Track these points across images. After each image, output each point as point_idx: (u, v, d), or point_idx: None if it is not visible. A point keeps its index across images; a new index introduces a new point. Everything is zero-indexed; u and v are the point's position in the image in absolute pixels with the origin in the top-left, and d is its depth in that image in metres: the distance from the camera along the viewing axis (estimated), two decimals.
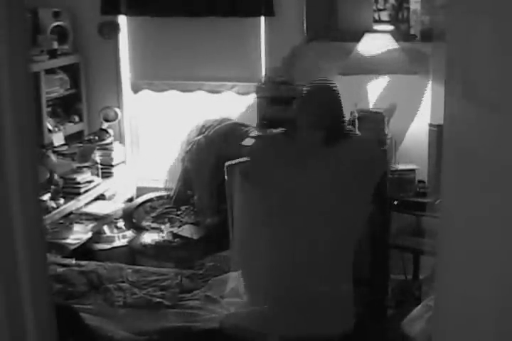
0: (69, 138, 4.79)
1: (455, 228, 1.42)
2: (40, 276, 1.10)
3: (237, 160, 4.16)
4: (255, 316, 2.59)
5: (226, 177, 4.08)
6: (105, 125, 4.89)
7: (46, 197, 4.23)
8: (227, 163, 4.11)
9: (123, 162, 4.96)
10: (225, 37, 4.70)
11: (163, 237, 4.37)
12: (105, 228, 4.67)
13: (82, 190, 4.53)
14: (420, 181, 4.08)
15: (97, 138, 4.85)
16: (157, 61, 4.91)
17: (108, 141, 4.86)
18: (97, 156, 4.75)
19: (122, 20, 4.87)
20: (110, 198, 4.83)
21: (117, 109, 4.92)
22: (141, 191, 4.94)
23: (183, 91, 4.88)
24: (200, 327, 3.13)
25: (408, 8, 4.22)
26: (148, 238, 4.39)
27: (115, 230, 4.71)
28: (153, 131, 5.11)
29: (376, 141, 3.16)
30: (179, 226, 4.46)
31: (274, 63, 4.60)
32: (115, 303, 3.41)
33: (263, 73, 4.68)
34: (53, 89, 4.60)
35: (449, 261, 1.44)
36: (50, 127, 4.56)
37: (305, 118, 2.78)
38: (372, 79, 4.14)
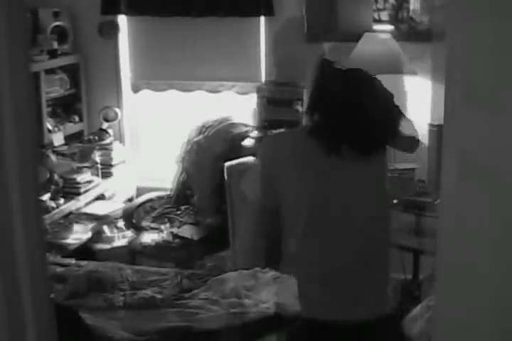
0: (69, 138, 4.79)
1: (455, 228, 1.42)
2: (40, 276, 1.10)
3: (237, 161, 4.16)
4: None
5: (226, 177, 4.09)
6: (105, 125, 4.90)
7: (46, 197, 4.23)
8: (227, 164, 4.12)
9: (123, 162, 4.97)
10: (224, 37, 4.70)
11: (163, 237, 4.37)
12: (105, 228, 4.67)
13: (82, 190, 4.53)
14: (420, 180, 4.08)
15: (96, 138, 4.86)
16: (157, 61, 4.91)
17: (108, 141, 4.87)
18: (97, 156, 4.75)
19: (122, 20, 4.87)
20: (110, 198, 4.84)
21: (117, 109, 4.92)
22: (141, 191, 4.94)
23: (183, 91, 4.89)
24: (200, 327, 3.13)
25: (408, 8, 4.22)
26: (148, 238, 4.39)
27: (115, 230, 4.71)
28: (153, 131, 5.11)
29: None
30: (179, 227, 4.46)
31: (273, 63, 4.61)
32: (115, 303, 3.41)
33: (263, 73, 4.68)
34: (53, 89, 4.60)
35: (449, 261, 1.44)
36: (50, 127, 4.56)
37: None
38: None
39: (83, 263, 3.88)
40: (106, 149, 4.82)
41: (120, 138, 5.00)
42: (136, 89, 4.98)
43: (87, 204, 4.64)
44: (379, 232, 2.60)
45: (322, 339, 2.60)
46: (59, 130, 4.65)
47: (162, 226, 4.48)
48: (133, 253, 4.43)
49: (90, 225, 4.51)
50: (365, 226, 2.55)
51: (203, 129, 4.62)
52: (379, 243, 2.61)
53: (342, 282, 2.56)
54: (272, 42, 4.58)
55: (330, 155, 2.45)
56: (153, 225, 4.53)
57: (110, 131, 4.91)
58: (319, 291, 2.58)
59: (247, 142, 4.40)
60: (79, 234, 4.41)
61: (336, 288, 2.56)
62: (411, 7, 4.21)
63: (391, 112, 2.57)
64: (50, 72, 4.56)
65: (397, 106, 2.60)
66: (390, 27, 4.25)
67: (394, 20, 4.26)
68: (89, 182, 4.62)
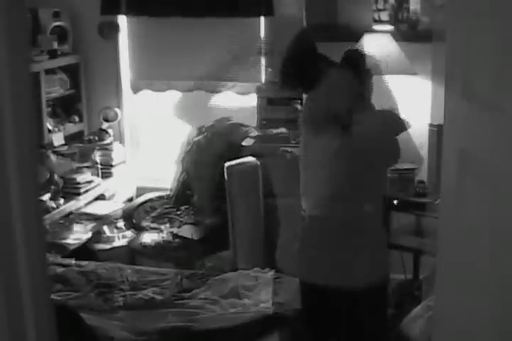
0: (69, 138, 4.79)
1: (455, 228, 1.42)
2: (40, 276, 1.10)
3: (237, 161, 4.16)
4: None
5: (226, 177, 4.09)
6: (105, 125, 4.89)
7: (46, 197, 4.23)
8: (227, 164, 4.12)
9: (123, 162, 4.97)
10: (224, 37, 4.70)
11: (163, 237, 4.37)
12: (105, 228, 4.66)
13: (82, 190, 4.53)
14: (420, 181, 4.08)
15: (96, 138, 4.85)
16: (157, 61, 4.90)
17: (108, 141, 4.86)
18: (97, 156, 4.75)
19: (122, 20, 4.87)
20: (110, 198, 4.83)
21: (117, 109, 4.92)
22: (141, 191, 4.94)
23: (183, 91, 4.88)
24: (201, 327, 3.13)
25: (408, 8, 4.22)
26: (148, 238, 4.39)
27: (115, 230, 4.71)
28: (153, 131, 5.11)
29: None
30: (179, 227, 4.46)
31: (273, 63, 4.60)
32: (115, 303, 3.41)
33: (263, 73, 4.68)
34: (53, 89, 4.60)
35: (449, 261, 1.44)
36: (50, 127, 4.56)
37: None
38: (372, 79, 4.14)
39: (83, 263, 3.88)
40: (106, 149, 4.82)
41: (120, 138, 5.00)
42: (136, 89, 4.97)
43: (87, 204, 4.64)
44: (374, 205, 2.74)
45: (321, 303, 2.76)
46: (59, 130, 4.65)
47: (162, 226, 4.48)
48: (133, 253, 4.43)
49: (90, 225, 4.51)
50: (361, 197, 2.70)
51: (202, 129, 4.62)
52: (374, 214, 2.76)
53: (341, 249, 2.70)
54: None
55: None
56: (153, 225, 4.53)
57: (110, 131, 4.91)
58: (319, 258, 2.72)
59: (247, 142, 4.40)
60: (79, 234, 4.41)
61: (334, 255, 2.71)
62: (411, 7, 4.21)
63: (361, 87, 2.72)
64: (50, 72, 4.55)
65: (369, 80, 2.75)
66: (390, 27, 4.25)
67: (394, 20, 4.26)
68: (90, 182, 4.62)
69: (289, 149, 4.11)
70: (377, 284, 2.76)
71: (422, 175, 4.11)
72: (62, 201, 4.37)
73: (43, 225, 1.25)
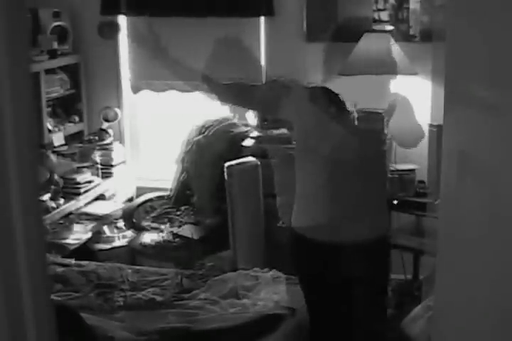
0: (69, 138, 4.79)
1: (455, 228, 1.42)
2: (40, 276, 1.10)
3: (237, 161, 4.16)
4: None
5: (226, 177, 4.09)
6: (105, 125, 4.89)
7: (46, 197, 4.23)
8: (227, 164, 4.12)
9: (123, 162, 4.97)
10: None
11: (163, 237, 4.37)
12: (105, 228, 4.67)
13: (82, 190, 4.53)
14: (420, 181, 4.08)
15: (96, 138, 4.86)
16: (157, 61, 4.89)
17: (108, 141, 4.87)
18: (97, 156, 4.75)
19: (122, 20, 4.87)
20: (110, 198, 4.83)
21: (117, 109, 4.92)
22: (141, 191, 4.94)
23: (183, 91, 4.88)
24: (200, 328, 3.13)
25: (408, 8, 4.22)
26: (148, 238, 4.39)
27: (115, 230, 4.71)
28: (153, 131, 5.11)
29: None
30: (179, 226, 4.46)
31: (273, 63, 4.61)
32: (115, 303, 3.41)
33: (263, 73, 4.68)
34: (53, 89, 4.60)
35: (449, 261, 1.44)
36: (50, 127, 4.56)
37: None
38: (372, 79, 4.14)
39: (83, 263, 3.88)
40: (106, 149, 4.82)
41: (120, 138, 5.00)
42: (136, 89, 4.97)
43: (87, 204, 4.64)
44: (377, 164, 2.89)
45: (325, 257, 2.80)
46: (59, 130, 4.65)
47: (162, 226, 4.48)
48: (133, 253, 4.43)
49: (90, 225, 4.51)
50: (365, 159, 2.82)
51: (202, 129, 4.62)
52: (377, 172, 2.88)
53: (343, 205, 2.77)
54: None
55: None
56: (153, 225, 4.53)
57: (110, 131, 4.91)
58: (322, 213, 2.77)
59: (247, 142, 4.40)
60: (79, 234, 4.41)
61: (338, 210, 2.77)
62: (411, 7, 4.21)
63: None
64: (50, 72, 4.55)
65: None
66: (390, 27, 4.25)
67: (394, 20, 4.26)
68: (90, 182, 4.62)
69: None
70: (378, 238, 2.82)
71: (422, 175, 4.11)
72: (62, 201, 4.37)
73: (43, 225, 1.25)
